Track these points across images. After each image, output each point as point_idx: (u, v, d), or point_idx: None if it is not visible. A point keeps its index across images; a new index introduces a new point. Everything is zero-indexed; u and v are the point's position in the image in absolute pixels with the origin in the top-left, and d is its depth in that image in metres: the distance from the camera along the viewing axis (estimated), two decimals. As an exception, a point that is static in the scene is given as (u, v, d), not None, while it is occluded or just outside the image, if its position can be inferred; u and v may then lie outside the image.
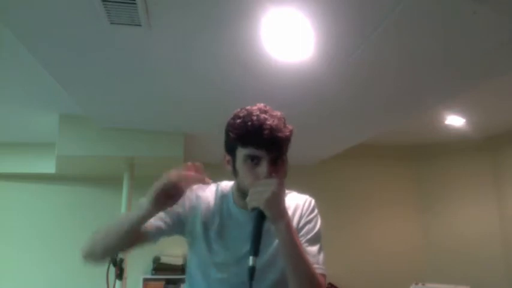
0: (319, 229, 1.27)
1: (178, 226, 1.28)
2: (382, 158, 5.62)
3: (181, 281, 4.67)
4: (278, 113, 1.18)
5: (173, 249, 4.83)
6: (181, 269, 4.71)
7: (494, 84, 3.11)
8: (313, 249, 1.21)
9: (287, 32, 2.05)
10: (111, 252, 1.36)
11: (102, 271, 3.49)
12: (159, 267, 4.67)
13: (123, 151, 3.87)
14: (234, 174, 1.22)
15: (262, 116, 1.14)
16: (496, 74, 2.66)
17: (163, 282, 4.64)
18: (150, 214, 1.14)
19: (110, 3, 1.78)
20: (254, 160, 1.14)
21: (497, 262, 4.92)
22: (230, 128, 1.18)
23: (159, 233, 1.25)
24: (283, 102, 3.22)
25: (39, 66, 2.50)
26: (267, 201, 1.07)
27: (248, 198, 1.11)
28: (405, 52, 2.31)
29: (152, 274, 4.66)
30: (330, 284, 5.06)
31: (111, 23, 1.94)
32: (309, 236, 1.23)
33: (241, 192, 1.22)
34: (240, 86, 2.81)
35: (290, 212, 1.21)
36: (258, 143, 1.12)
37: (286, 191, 1.25)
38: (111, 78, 2.71)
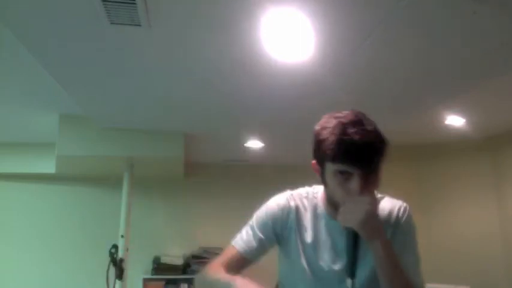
0: (415, 238, 1.21)
1: (273, 241, 1.27)
2: (382, 158, 5.61)
3: (181, 281, 4.68)
4: (372, 124, 1.10)
5: (173, 249, 4.84)
6: (181, 269, 4.71)
7: (494, 84, 3.11)
8: (410, 260, 1.16)
9: (287, 32, 2.05)
10: None
11: (102, 271, 3.50)
12: (159, 267, 4.67)
13: (123, 151, 3.87)
14: (324, 184, 1.17)
15: (357, 131, 1.05)
16: (496, 74, 2.66)
17: (163, 282, 4.64)
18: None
19: (110, 3, 1.77)
20: (345, 175, 1.07)
21: (497, 262, 4.92)
22: (320, 140, 1.10)
23: (257, 252, 1.26)
24: (282, 103, 3.24)
25: (39, 66, 2.50)
26: (360, 223, 1.03)
27: (340, 218, 1.07)
28: (405, 52, 2.31)
29: (152, 274, 4.66)
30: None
31: (111, 23, 1.94)
32: (405, 246, 1.17)
33: (331, 202, 1.18)
34: (239, 86, 2.81)
35: (383, 218, 1.15)
36: (352, 161, 1.05)
37: (379, 195, 1.23)
38: (111, 78, 2.71)
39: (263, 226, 1.26)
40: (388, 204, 1.23)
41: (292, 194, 1.29)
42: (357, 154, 1.04)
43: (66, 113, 3.76)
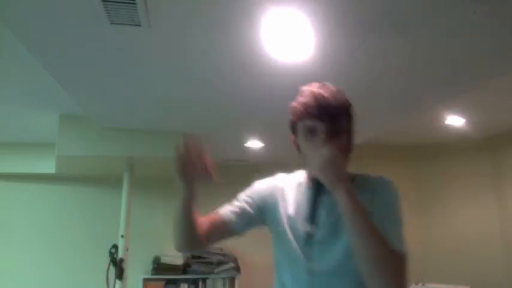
0: (397, 205, 1.18)
1: (260, 208, 1.33)
2: (382, 158, 5.62)
3: (181, 281, 4.68)
4: (334, 88, 1.24)
5: (173, 249, 4.83)
6: (181, 269, 4.71)
7: (494, 84, 3.11)
8: (392, 225, 1.10)
9: (287, 32, 2.05)
10: (193, 243, 1.35)
11: (102, 271, 3.50)
12: (159, 267, 4.67)
13: (123, 151, 3.87)
14: (301, 156, 1.25)
15: (315, 89, 1.23)
16: (496, 74, 2.66)
17: (163, 282, 4.64)
18: (186, 191, 1.23)
19: (110, 3, 1.77)
20: (311, 132, 1.17)
21: (497, 262, 4.92)
22: (292, 108, 1.26)
23: (238, 217, 1.32)
24: (282, 103, 3.23)
25: (39, 66, 2.50)
26: (319, 168, 1.07)
27: (307, 170, 1.17)
28: (405, 52, 2.31)
29: (152, 274, 4.66)
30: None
31: (111, 23, 1.94)
32: (387, 213, 1.13)
33: (309, 173, 1.26)
34: (239, 86, 2.81)
35: (366, 193, 1.15)
36: (311, 112, 1.17)
37: (368, 173, 1.27)
38: (111, 78, 2.71)
39: (249, 197, 1.36)
40: (374, 179, 1.27)
41: (280, 175, 1.39)
42: (319, 108, 1.17)
43: (66, 113, 3.76)
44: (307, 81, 2.75)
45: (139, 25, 1.96)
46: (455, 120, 4.25)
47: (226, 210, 1.36)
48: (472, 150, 5.22)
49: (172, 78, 2.73)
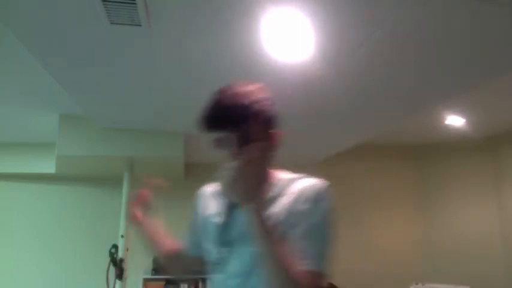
0: (321, 219, 1.07)
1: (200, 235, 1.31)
2: (382, 158, 5.62)
3: (181, 281, 4.67)
4: (248, 88, 1.10)
5: (173, 249, 4.83)
6: (181, 269, 4.70)
7: (494, 84, 3.11)
8: (306, 242, 1.04)
9: (287, 32, 2.05)
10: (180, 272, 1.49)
11: (102, 271, 3.50)
12: (159, 267, 4.67)
13: (123, 151, 3.87)
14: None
15: (218, 94, 1.09)
16: (496, 74, 2.66)
17: (163, 283, 4.64)
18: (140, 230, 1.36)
19: (110, 3, 1.77)
20: (219, 144, 1.07)
21: (497, 262, 4.92)
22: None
23: (191, 245, 1.34)
24: (282, 103, 3.23)
25: (39, 66, 2.50)
26: (226, 187, 1.01)
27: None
28: (405, 52, 2.31)
29: (152, 274, 4.66)
30: (329, 283, 5.06)
31: (111, 23, 1.94)
32: (303, 227, 1.05)
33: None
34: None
35: (290, 199, 1.09)
36: (210, 125, 1.07)
37: (300, 175, 1.16)
38: (111, 78, 2.71)
39: (191, 232, 1.37)
40: (303, 184, 1.13)
41: (201, 190, 1.36)
42: (212, 116, 1.06)
43: (66, 113, 3.76)
44: (307, 81, 2.76)
45: (140, 25, 1.96)
46: (455, 120, 4.25)
47: (186, 239, 1.39)
48: (472, 150, 5.22)
49: (172, 78, 2.73)
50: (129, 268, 3.69)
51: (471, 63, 2.45)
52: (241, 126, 1.04)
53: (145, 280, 4.62)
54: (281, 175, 1.19)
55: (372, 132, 4.15)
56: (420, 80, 2.73)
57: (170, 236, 1.42)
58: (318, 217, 1.07)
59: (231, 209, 1.14)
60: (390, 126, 3.97)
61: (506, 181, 5.01)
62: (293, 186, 1.13)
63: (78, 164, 4.23)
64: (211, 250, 1.20)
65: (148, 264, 4.75)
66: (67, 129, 3.77)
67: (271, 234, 0.99)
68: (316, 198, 1.08)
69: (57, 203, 4.96)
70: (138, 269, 4.58)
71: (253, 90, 1.11)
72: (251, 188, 0.99)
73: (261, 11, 1.85)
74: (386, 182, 5.62)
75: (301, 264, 1.00)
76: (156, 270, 4.66)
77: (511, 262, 4.84)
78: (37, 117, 3.88)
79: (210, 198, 1.30)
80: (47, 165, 4.37)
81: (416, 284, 4.33)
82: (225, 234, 1.13)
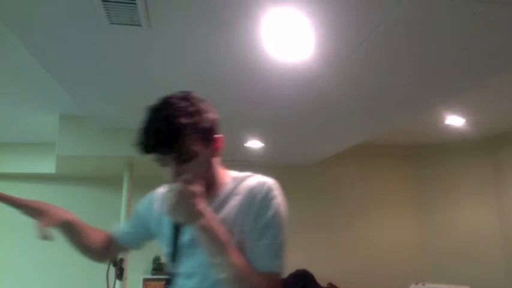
0: (276, 218, 1.09)
1: (142, 225, 1.34)
2: (382, 158, 5.62)
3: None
4: (174, 105, 1.08)
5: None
6: (181, 269, 4.71)
7: (494, 84, 3.11)
8: (266, 242, 1.06)
9: (287, 32, 2.05)
10: (94, 256, 1.47)
11: (102, 271, 3.49)
12: (159, 267, 4.68)
13: (123, 151, 3.87)
14: None
15: (148, 118, 1.09)
16: (496, 74, 2.66)
17: (163, 282, 4.64)
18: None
19: (110, 3, 1.77)
20: (161, 163, 1.08)
21: (497, 262, 4.92)
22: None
23: (125, 235, 1.39)
24: (283, 103, 3.23)
25: (39, 66, 2.50)
26: (171, 210, 1.01)
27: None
28: (405, 52, 2.31)
29: (152, 274, 4.67)
30: (329, 283, 5.06)
31: (111, 23, 1.94)
32: (256, 228, 1.07)
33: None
34: (240, 87, 2.81)
35: (240, 198, 1.12)
36: (145, 150, 1.07)
37: (248, 174, 1.18)
38: (111, 78, 2.71)
39: (133, 218, 1.41)
40: (251, 183, 1.14)
41: (157, 189, 1.35)
42: (146, 144, 1.06)
43: (66, 113, 3.76)
44: (307, 81, 2.76)
45: (140, 25, 1.96)
46: (455, 120, 4.26)
47: (119, 229, 1.42)
48: (472, 150, 5.23)
49: (172, 78, 2.72)
50: (129, 268, 3.69)
51: (471, 63, 2.44)
52: (175, 147, 1.03)
53: (145, 280, 4.63)
54: (230, 174, 1.21)
55: (372, 132, 4.15)
56: (420, 80, 2.72)
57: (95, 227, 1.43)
58: (269, 217, 1.08)
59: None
60: (390, 126, 3.97)
61: (506, 181, 5.01)
62: (242, 184, 1.15)
63: (78, 164, 4.23)
64: (166, 251, 1.22)
65: (148, 264, 4.76)
66: (67, 129, 3.77)
67: (223, 245, 1.01)
68: (265, 198, 1.10)
69: (57, 203, 4.85)
70: (138, 269, 4.59)
71: (186, 104, 1.09)
72: (193, 209, 1.00)
73: (261, 11, 1.85)
74: (386, 182, 5.63)
75: (256, 268, 1.03)
76: (156, 270, 4.67)
77: (511, 262, 4.85)
78: (37, 117, 3.88)
79: (161, 200, 1.29)
80: (47, 165, 4.37)
81: (416, 283, 4.32)
82: (178, 238, 1.15)
